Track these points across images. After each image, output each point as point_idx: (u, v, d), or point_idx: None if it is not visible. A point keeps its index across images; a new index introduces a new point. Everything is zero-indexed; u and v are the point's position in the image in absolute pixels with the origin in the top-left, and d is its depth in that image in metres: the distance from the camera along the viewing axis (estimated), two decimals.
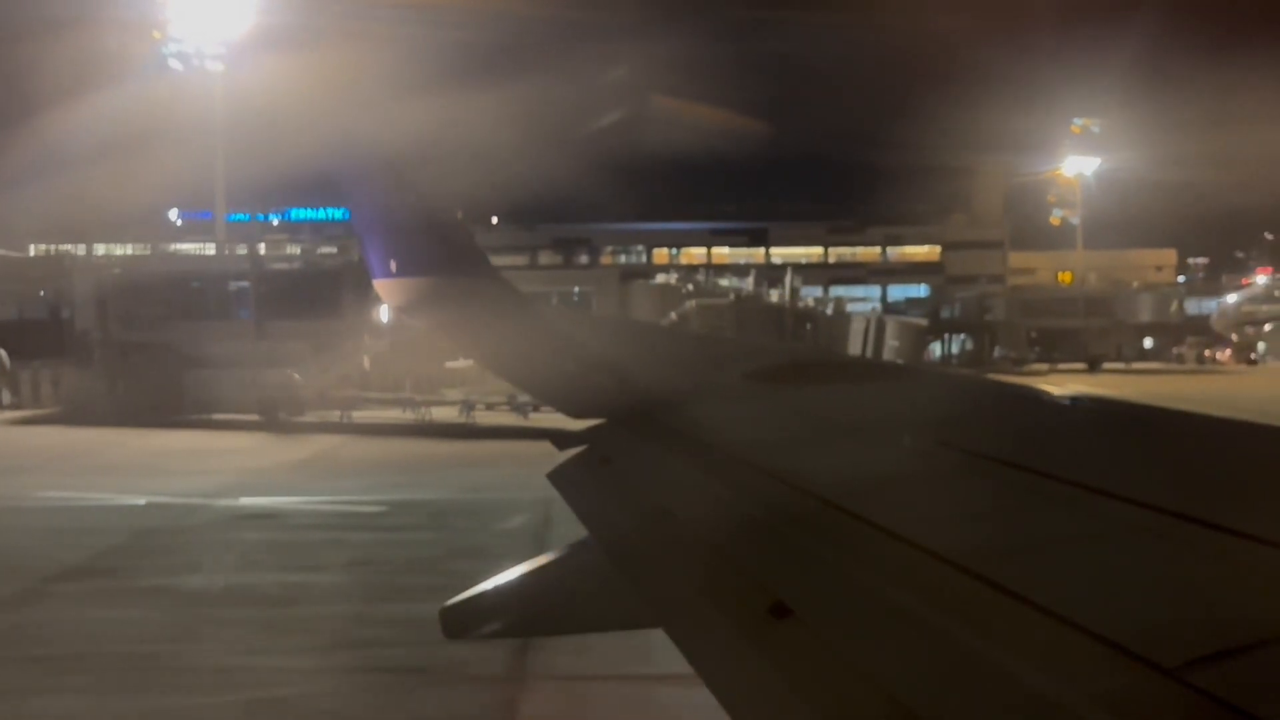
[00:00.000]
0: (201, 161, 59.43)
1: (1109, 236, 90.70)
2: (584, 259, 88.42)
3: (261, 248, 55.76)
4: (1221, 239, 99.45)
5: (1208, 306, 78.64)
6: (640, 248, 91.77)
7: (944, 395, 4.21)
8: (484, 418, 40.20)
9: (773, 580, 2.35)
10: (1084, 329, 72.97)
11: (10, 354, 45.21)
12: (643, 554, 2.96)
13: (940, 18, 77.83)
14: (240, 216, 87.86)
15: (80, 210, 63.51)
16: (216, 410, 40.26)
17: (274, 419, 39.51)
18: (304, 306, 44.16)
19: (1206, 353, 74.76)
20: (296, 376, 42.32)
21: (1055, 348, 73.63)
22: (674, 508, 3.14)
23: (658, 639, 2.60)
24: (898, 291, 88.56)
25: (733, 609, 2.30)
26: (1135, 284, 78.26)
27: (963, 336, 76.06)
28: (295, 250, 52.75)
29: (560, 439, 4.59)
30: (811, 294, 79.17)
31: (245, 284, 44.45)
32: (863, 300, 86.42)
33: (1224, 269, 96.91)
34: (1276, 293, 73.00)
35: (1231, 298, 76.41)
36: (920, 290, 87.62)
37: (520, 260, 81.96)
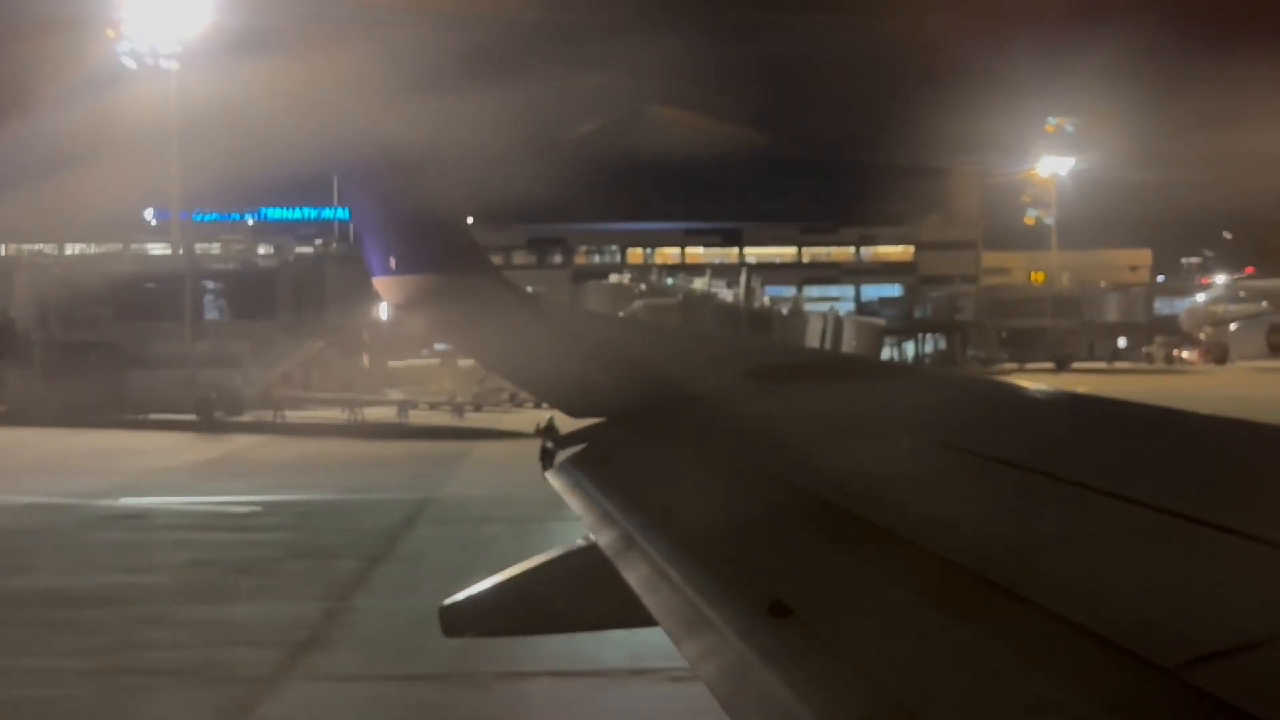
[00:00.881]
0: (168, 162, 59.51)
1: (1085, 236, 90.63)
2: (558, 259, 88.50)
3: (216, 248, 55.90)
4: (1202, 239, 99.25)
5: (1179, 306, 78.71)
6: (614, 247, 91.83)
7: (939, 394, 4.23)
8: (422, 417, 40.23)
9: (773, 580, 2.35)
10: (1052, 328, 73.12)
11: None
12: (642, 553, 2.96)
13: (916, 19, 77.83)
14: (213, 216, 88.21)
15: (42, 212, 63.71)
16: (157, 410, 40.33)
17: (209, 419, 39.56)
18: (242, 307, 44.23)
19: (1175, 352, 74.76)
20: (238, 377, 42.39)
21: (1024, 347, 73.76)
22: (673, 507, 3.14)
23: (658, 639, 2.60)
24: (871, 291, 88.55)
25: (732, 609, 2.29)
26: (1102, 284, 78.18)
27: (934, 336, 76.57)
28: (231, 251, 52.73)
29: (556, 439, 4.62)
30: (783, 293, 79.35)
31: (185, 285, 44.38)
32: (837, 300, 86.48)
33: (1215, 268, 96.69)
34: (1241, 293, 72.85)
35: (1200, 297, 76.35)
36: (894, 290, 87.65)
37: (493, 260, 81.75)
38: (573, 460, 4.31)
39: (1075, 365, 70.53)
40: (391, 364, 49.03)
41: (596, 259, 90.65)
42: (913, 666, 1.84)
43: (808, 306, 64.73)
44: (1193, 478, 2.48)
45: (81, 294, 43.06)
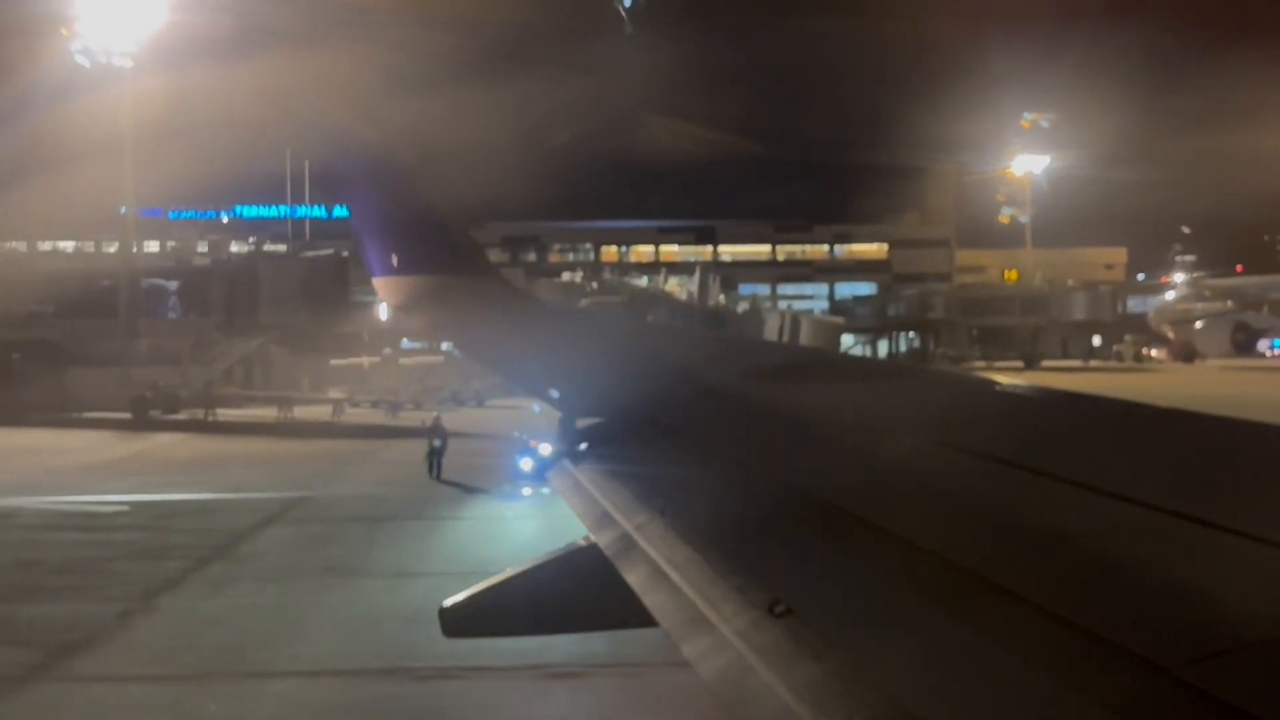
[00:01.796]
0: (145, 160, 59.42)
1: (1062, 234, 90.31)
2: (532, 257, 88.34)
3: (169, 245, 55.88)
4: (1178, 238, 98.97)
5: (1151, 304, 78.53)
6: (588, 246, 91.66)
7: (934, 394, 4.23)
8: (360, 416, 40.23)
9: (772, 580, 2.36)
10: (1021, 326, 73.05)
11: None
12: (642, 553, 2.96)
13: (892, 17, 77.58)
14: (189, 214, 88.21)
15: (14, 210, 63.65)
16: (95, 408, 40.28)
17: (143, 417, 39.53)
18: (180, 305, 44.22)
19: (1144, 350, 74.65)
20: (175, 375, 42.38)
21: (995, 345, 73.69)
22: (673, 507, 3.15)
23: (657, 638, 2.61)
24: (845, 289, 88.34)
25: (732, 608, 2.30)
26: (1070, 282, 77.97)
27: (907, 334, 76.46)
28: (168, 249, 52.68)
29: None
30: (760, 292, 79.19)
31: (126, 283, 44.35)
32: (811, 298, 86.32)
33: (1199, 266, 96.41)
34: (1206, 292, 72.71)
35: (1169, 295, 76.20)
36: (868, 288, 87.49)
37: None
38: (572, 460, 4.36)
39: (1045, 364, 70.43)
40: (334, 362, 48.98)
41: (570, 257, 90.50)
42: (912, 666, 1.85)
43: (768, 305, 64.60)
44: (1192, 477, 2.44)
45: (20, 292, 43.04)
